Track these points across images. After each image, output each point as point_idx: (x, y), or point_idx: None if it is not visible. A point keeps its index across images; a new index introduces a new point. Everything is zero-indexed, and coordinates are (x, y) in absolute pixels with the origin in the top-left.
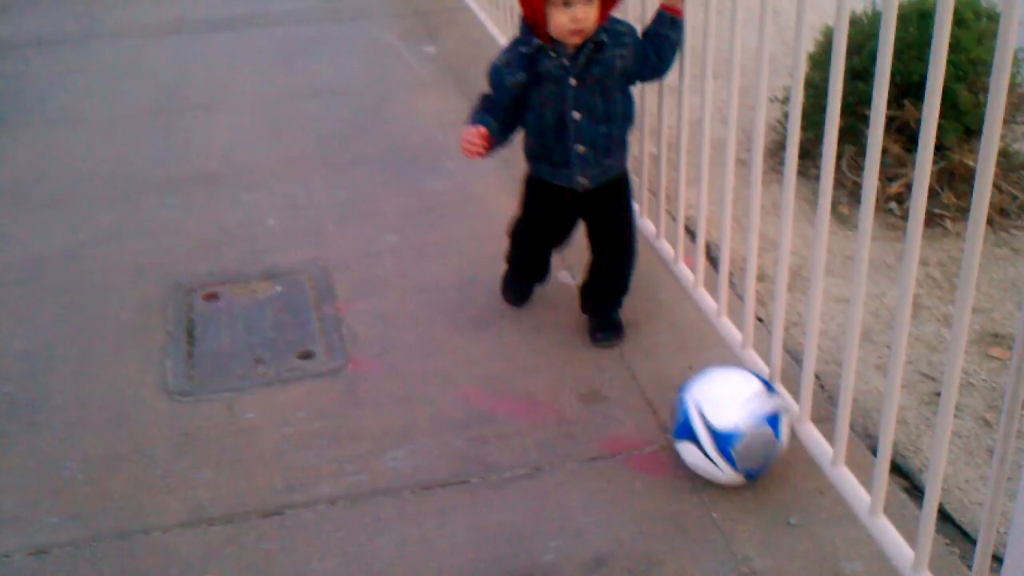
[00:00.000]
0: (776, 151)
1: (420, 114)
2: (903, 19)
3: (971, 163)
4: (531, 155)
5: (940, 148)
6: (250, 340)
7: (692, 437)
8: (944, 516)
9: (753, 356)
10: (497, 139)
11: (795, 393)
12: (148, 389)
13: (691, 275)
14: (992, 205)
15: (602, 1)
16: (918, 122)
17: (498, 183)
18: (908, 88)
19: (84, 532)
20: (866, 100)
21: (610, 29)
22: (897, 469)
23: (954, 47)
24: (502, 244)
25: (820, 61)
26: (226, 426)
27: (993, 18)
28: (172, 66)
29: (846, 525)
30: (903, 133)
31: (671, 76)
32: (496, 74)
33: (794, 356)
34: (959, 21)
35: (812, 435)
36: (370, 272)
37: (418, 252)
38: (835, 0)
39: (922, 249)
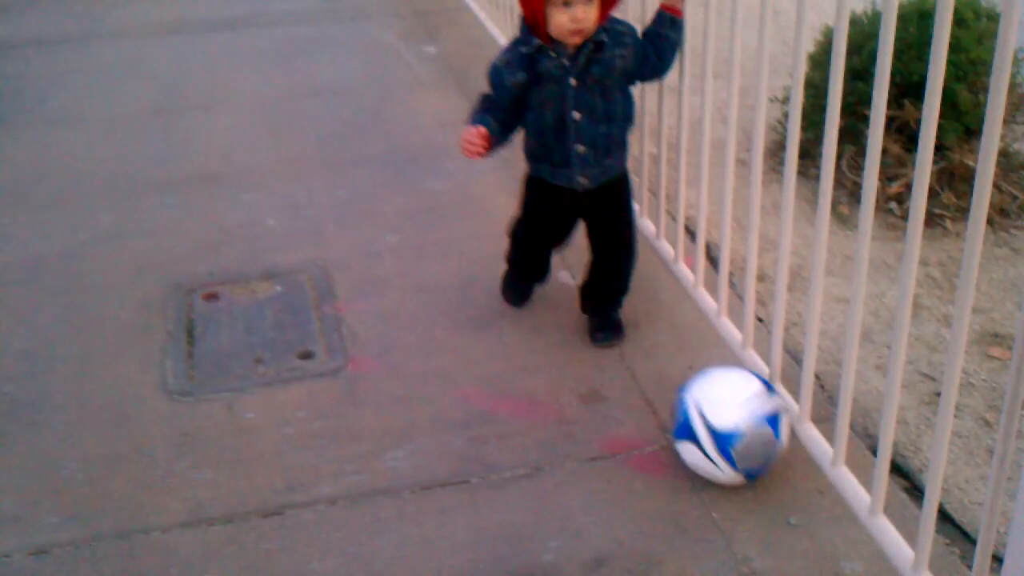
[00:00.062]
0: (776, 151)
1: (420, 114)
2: (903, 19)
3: (971, 163)
4: (531, 155)
5: (940, 148)
6: (250, 340)
7: (692, 437)
8: (944, 516)
9: (753, 356)
10: (497, 139)
11: (795, 393)
12: (148, 389)
13: (691, 275)
14: (992, 205)
15: (602, 1)
16: (918, 122)
17: (498, 183)
18: (908, 88)
19: (84, 532)
20: (866, 100)
21: (610, 29)
22: (897, 469)
23: (954, 47)
24: (502, 244)
25: (820, 61)
26: (226, 426)
27: (993, 18)
28: (172, 66)
29: (846, 525)
30: (903, 133)
31: (671, 76)
32: (496, 74)
33: (794, 356)
34: (959, 21)
35: (812, 435)
36: (370, 272)
37: (418, 252)
38: (835, 0)
39: (922, 249)
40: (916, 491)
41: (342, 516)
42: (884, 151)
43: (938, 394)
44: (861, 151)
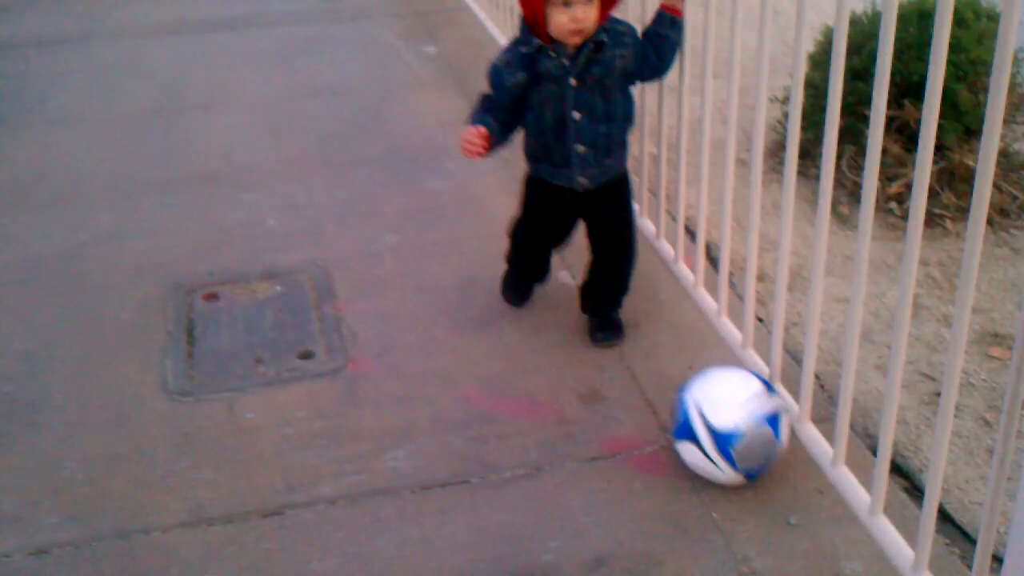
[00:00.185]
0: (776, 151)
1: (420, 114)
2: (903, 19)
3: (971, 163)
4: (531, 155)
5: (940, 148)
6: (250, 340)
7: (692, 437)
8: (944, 516)
9: (753, 356)
10: (497, 139)
11: (795, 393)
12: (148, 389)
13: (691, 275)
14: (992, 205)
15: (602, 1)
16: (918, 122)
17: (498, 183)
18: (908, 88)
19: (84, 532)
20: (866, 100)
21: (610, 29)
22: (897, 469)
23: (954, 47)
24: (502, 244)
25: (820, 61)
26: (226, 426)
27: (993, 18)
28: (172, 66)
29: (846, 525)
30: (903, 133)
31: (671, 76)
32: (496, 74)
33: (794, 356)
34: (959, 21)
35: (812, 435)
36: (370, 272)
37: (418, 252)
38: (835, 0)
39: (922, 249)
40: (916, 491)
41: (342, 516)
42: (884, 151)
43: (938, 394)
44: (861, 151)
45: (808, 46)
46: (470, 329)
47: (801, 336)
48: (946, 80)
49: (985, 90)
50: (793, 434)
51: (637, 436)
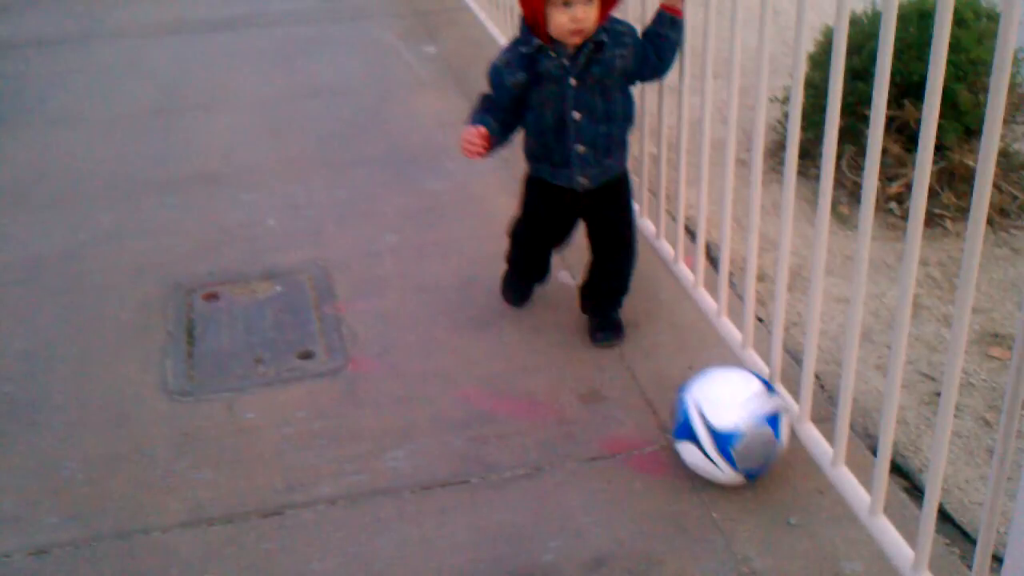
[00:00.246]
0: (776, 151)
1: (420, 114)
2: (903, 19)
3: (971, 163)
4: (531, 155)
5: (940, 148)
6: (250, 340)
7: (692, 437)
8: (944, 516)
9: (753, 356)
10: (497, 139)
11: (795, 393)
12: (148, 389)
13: (691, 275)
14: (992, 205)
15: (602, 1)
16: (918, 122)
17: (498, 183)
18: (908, 88)
19: (84, 532)
20: (866, 100)
21: (610, 29)
22: (897, 469)
23: (954, 47)
24: (502, 244)
25: (820, 61)
26: (226, 426)
27: (993, 18)
28: (172, 66)
29: (846, 525)
30: (903, 133)
31: (671, 76)
32: (496, 74)
33: (794, 356)
34: (959, 21)
35: (812, 435)
36: (370, 272)
37: (418, 252)
38: (835, 0)
39: (922, 249)
40: (916, 491)
41: (342, 516)
42: (884, 151)
43: (938, 394)
44: (861, 151)
45: (808, 46)
46: (470, 329)
47: (801, 336)
48: (946, 80)
49: (985, 90)
50: (793, 434)
51: (637, 436)
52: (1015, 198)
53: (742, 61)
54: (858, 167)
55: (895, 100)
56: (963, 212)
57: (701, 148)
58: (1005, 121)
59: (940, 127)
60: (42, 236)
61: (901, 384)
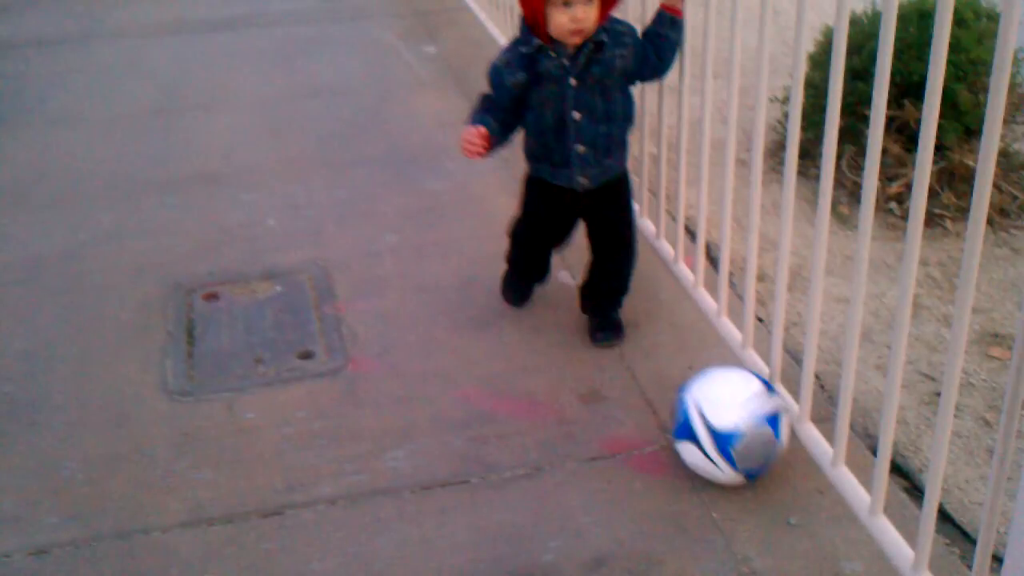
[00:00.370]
0: (776, 151)
1: (420, 114)
2: (903, 19)
3: (971, 163)
4: (531, 155)
5: (940, 148)
6: (250, 340)
7: (692, 437)
8: (944, 516)
9: (753, 356)
10: (497, 139)
11: (795, 393)
12: (148, 389)
13: (691, 275)
14: (992, 205)
15: (602, 1)
16: (918, 122)
17: (498, 183)
18: (908, 88)
19: (84, 532)
20: (866, 100)
21: (610, 29)
22: (897, 469)
23: (954, 47)
24: (502, 244)
25: (820, 61)
26: (226, 426)
27: (993, 18)
28: (172, 66)
29: (846, 525)
30: (903, 133)
31: (671, 76)
32: (496, 74)
33: (794, 356)
34: (959, 21)
35: (812, 435)
36: (370, 272)
37: (418, 252)
38: (835, 0)
39: (922, 249)
40: (916, 491)
41: (342, 516)
42: (884, 151)
43: (938, 394)
44: (861, 151)
45: (808, 46)
46: (470, 329)
47: (801, 336)
48: (946, 80)
49: (985, 90)
50: (793, 434)
51: (637, 436)
52: (1015, 198)
53: (742, 61)
54: (858, 167)
55: (895, 100)
56: (963, 212)
57: (701, 148)
58: (1005, 121)
59: (940, 127)
60: (42, 236)
61: (901, 384)
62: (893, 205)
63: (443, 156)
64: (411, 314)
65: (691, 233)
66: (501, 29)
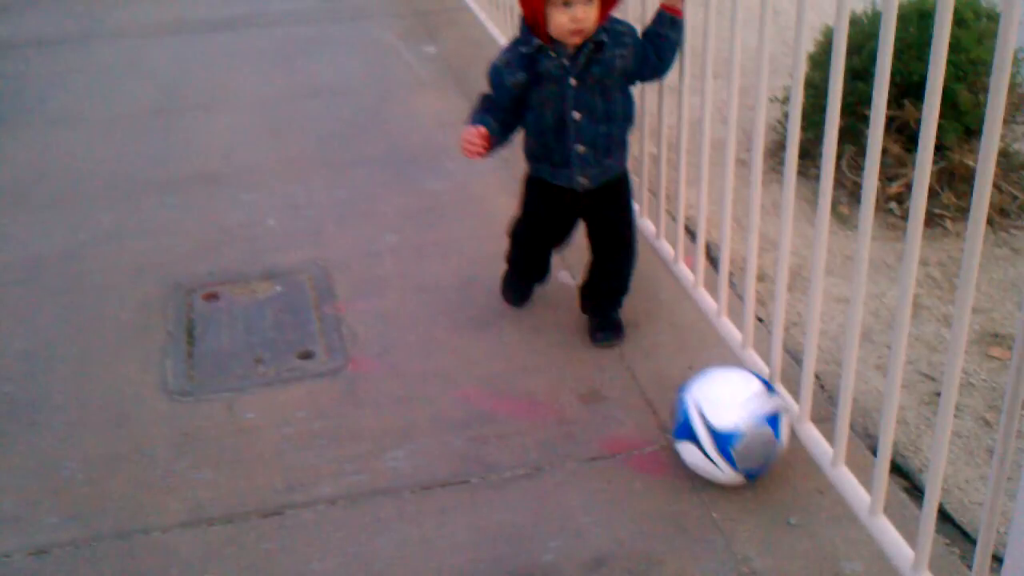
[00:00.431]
0: (776, 151)
1: (420, 114)
2: (903, 19)
3: (971, 163)
4: (531, 155)
5: (940, 148)
6: (250, 340)
7: (692, 437)
8: (944, 516)
9: (753, 356)
10: (497, 139)
11: (795, 393)
12: (148, 389)
13: (691, 275)
14: (992, 205)
15: (602, 1)
16: (918, 122)
17: (498, 183)
18: (908, 88)
19: (84, 532)
20: (866, 100)
21: (610, 29)
22: (897, 469)
23: (954, 47)
24: (502, 244)
25: (820, 61)
26: (226, 426)
27: (993, 18)
28: (172, 66)
29: (846, 525)
30: (903, 133)
31: (671, 76)
32: (496, 74)
33: (794, 356)
34: (959, 21)
35: (812, 435)
36: (370, 272)
37: (418, 252)
38: (835, 0)
39: (922, 249)
40: (916, 491)
41: (342, 516)
42: (884, 151)
43: (938, 394)
44: (861, 151)
45: (808, 46)
46: (470, 329)
47: (801, 336)
48: (946, 80)
49: (985, 90)
50: (793, 434)
51: (637, 436)
52: (1015, 198)
53: (742, 61)
54: (858, 167)
55: (895, 100)
56: (963, 212)
57: (701, 148)
58: (1005, 121)
59: (940, 127)
60: (42, 236)
61: (901, 384)
62: (893, 205)
63: (443, 156)
64: (411, 314)
65: (691, 233)
66: (501, 29)
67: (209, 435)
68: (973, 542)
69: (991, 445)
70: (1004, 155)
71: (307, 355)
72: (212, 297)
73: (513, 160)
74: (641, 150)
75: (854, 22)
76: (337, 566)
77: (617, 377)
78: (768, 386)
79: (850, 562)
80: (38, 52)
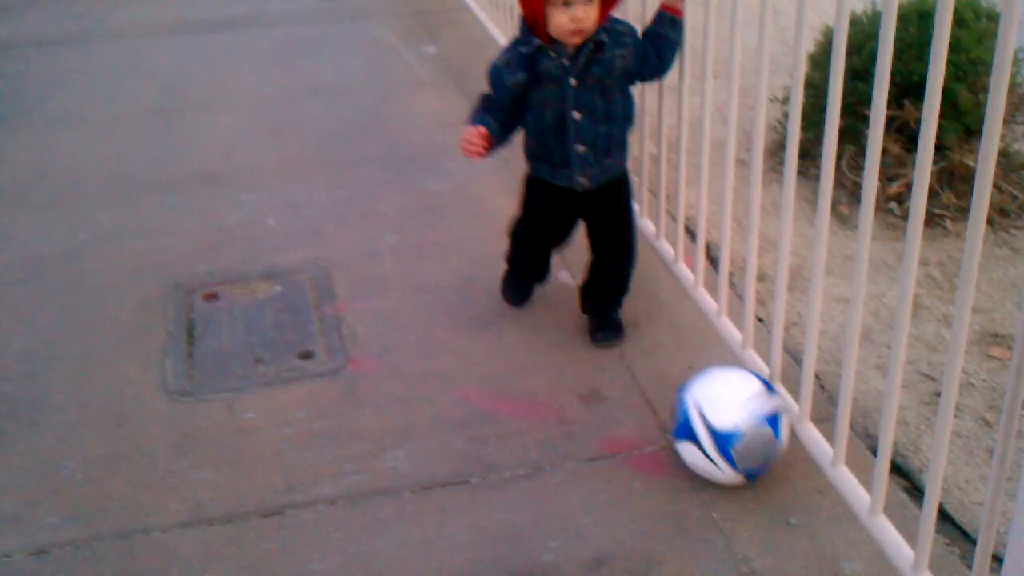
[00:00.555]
0: (776, 151)
1: (420, 114)
2: (903, 19)
3: (971, 163)
4: (531, 155)
5: (940, 148)
6: (250, 340)
7: (692, 437)
8: (944, 516)
9: (753, 356)
10: (497, 139)
11: (795, 393)
12: (148, 389)
13: (691, 275)
14: (992, 205)
15: (602, 1)
16: (918, 122)
17: (498, 183)
18: (908, 88)
19: (84, 532)
20: (866, 100)
21: (610, 29)
22: (897, 469)
23: (954, 47)
24: (502, 244)
25: (820, 61)
26: (226, 426)
27: (993, 18)
28: (172, 66)
29: (846, 525)
30: (903, 133)
31: (671, 76)
32: (496, 74)
33: (794, 356)
34: (959, 21)
35: (812, 435)
36: (370, 272)
37: (418, 252)
38: (835, 0)
39: (922, 249)
40: (916, 491)
41: (342, 516)
42: (884, 151)
43: (938, 394)
44: (861, 151)
45: (808, 46)
46: (470, 329)
47: (801, 336)
48: (946, 80)
49: (985, 90)
50: (793, 434)
51: (637, 436)
52: (1015, 198)
53: (742, 61)
54: (858, 167)
55: (895, 100)
56: (963, 212)
57: (701, 148)
58: (1005, 121)
59: (940, 127)
60: (42, 236)
61: (901, 384)
62: (893, 205)
63: (443, 156)
64: (411, 314)
65: (691, 233)
66: (501, 29)
67: (209, 435)
68: (973, 542)
69: (991, 445)
70: (1004, 155)
71: (307, 355)
72: (212, 297)
73: (513, 160)
74: (641, 150)
75: (854, 22)
76: (337, 566)
77: (617, 377)
78: (768, 386)
79: (850, 562)
80: (38, 52)
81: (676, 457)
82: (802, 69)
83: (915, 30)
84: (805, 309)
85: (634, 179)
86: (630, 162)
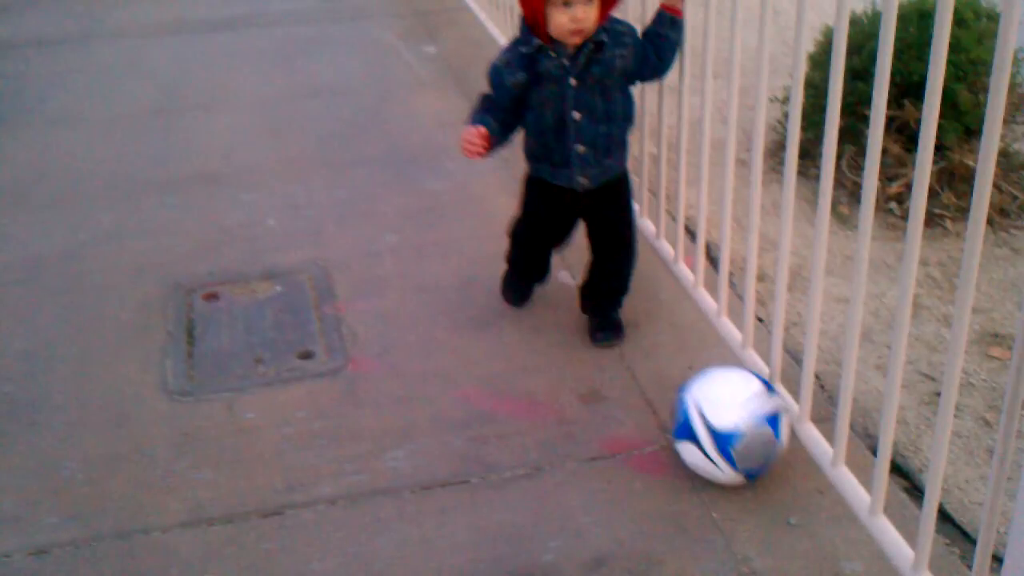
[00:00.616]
0: (776, 151)
1: (420, 114)
2: (903, 19)
3: (971, 163)
4: (531, 155)
5: (940, 148)
6: (250, 340)
7: (692, 437)
8: (944, 516)
9: (753, 356)
10: (497, 139)
11: (795, 393)
12: (148, 389)
13: (691, 275)
14: (992, 205)
15: (602, 1)
16: (918, 122)
17: (498, 183)
18: (908, 88)
19: (84, 532)
20: (866, 100)
21: (610, 29)
22: (897, 469)
23: (954, 47)
24: (502, 244)
25: (820, 61)
26: (226, 426)
27: (993, 18)
28: (172, 66)
29: (846, 525)
30: (903, 133)
31: (671, 76)
32: (496, 74)
33: (794, 356)
34: (959, 21)
35: (812, 435)
36: (370, 272)
37: (418, 252)
38: (835, 0)
39: (922, 249)
40: (916, 491)
41: (342, 516)
42: (884, 151)
43: (938, 394)
44: (861, 151)
45: (808, 46)
46: (470, 329)
47: (801, 336)
48: (946, 80)
49: (985, 90)
50: (793, 434)
51: (637, 436)
52: (1015, 198)
53: (742, 61)
54: (858, 167)
55: (895, 100)
56: (963, 212)
57: (701, 148)
58: (1005, 121)
59: (940, 127)
60: (42, 236)
61: (901, 384)
62: (893, 205)
63: (443, 156)
64: (411, 314)
65: (691, 233)
66: (501, 29)
67: (209, 435)
68: (973, 542)
69: (991, 445)
70: (1004, 155)
71: (307, 355)
72: (212, 297)
73: (513, 160)
74: (641, 150)
75: (854, 22)
76: (337, 566)
77: (617, 377)
78: (768, 386)
79: (850, 562)
80: (38, 52)
81: (676, 457)
82: (802, 69)
83: (915, 30)
84: (805, 309)
85: (634, 179)
86: (630, 162)
